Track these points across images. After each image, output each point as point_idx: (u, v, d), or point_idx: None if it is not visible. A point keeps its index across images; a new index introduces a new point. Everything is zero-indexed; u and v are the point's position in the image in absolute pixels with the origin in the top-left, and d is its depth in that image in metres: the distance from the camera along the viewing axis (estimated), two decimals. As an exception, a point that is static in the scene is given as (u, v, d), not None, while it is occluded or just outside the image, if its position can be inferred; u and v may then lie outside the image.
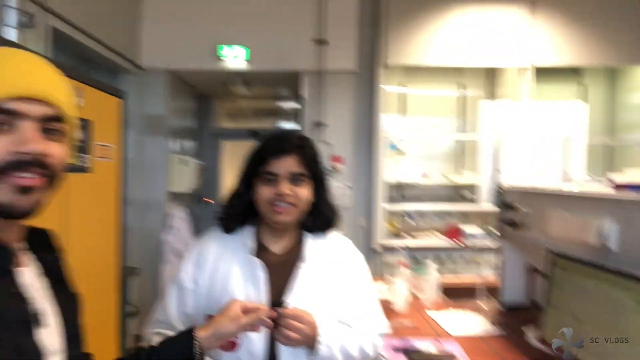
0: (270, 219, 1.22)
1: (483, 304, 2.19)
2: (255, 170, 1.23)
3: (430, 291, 2.27)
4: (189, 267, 1.25)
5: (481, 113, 2.22)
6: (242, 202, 1.26)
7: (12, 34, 1.95)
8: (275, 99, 5.96)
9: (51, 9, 2.57)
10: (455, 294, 2.54)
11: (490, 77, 4.66)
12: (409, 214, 4.40)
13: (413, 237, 4.18)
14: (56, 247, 0.83)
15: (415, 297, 2.37)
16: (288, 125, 5.91)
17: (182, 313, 1.23)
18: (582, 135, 2.25)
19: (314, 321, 1.12)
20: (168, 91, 4.09)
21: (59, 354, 0.75)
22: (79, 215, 2.10)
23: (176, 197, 4.30)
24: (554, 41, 3.90)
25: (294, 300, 1.16)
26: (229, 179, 5.73)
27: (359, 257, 1.35)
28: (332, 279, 1.25)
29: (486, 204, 2.23)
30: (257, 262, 1.21)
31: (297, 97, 5.58)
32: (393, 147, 4.29)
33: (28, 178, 0.65)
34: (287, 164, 1.20)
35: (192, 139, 4.98)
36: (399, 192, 4.62)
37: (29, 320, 0.68)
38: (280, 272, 1.22)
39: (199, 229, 5.26)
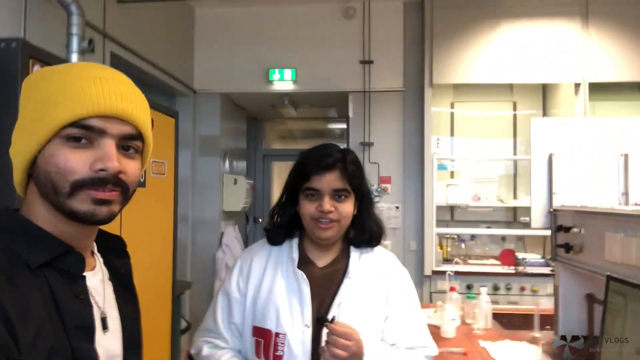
0: (314, 235, 1.22)
1: (539, 334, 2.05)
2: (298, 185, 1.23)
3: (482, 319, 2.15)
4: (235, 278, 1.27)
5: (532, 131, 2.13)
6: (288, 215, 1.26)
7: (74, 59, 2.08)
8: (323, 120, 6.03)
9: (110, 34, 2.75)
10: (510, 323, 2.40)
11: (543, 94, 4.49)
12: (461, 238, 4.24)
13: (465, 262, 4.03)
14: (124, 254, 0.87)
15: (465, 325, 2.26)
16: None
17: (229, 323, 1.24)
18: (645, 153, 2.09)
19: (360, 339, 1.09)
20: (220, 113, 4.24)
21: (117, 358, 0.78)
22: (134, 229, 2.17)
23: (229, 215, 4.40)
24: (610, 55, 3.71)
25: (337, 316, 1.14)
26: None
27: (405, 273, 1.31)
28: (377, 295, 1.23)
29: (539, 227, 2.10)
30: (301, 276, 1.20)
31: (344, 117, 5.62)
32: (443, 167, 4.19)
33: (105, 193, 0.68)
34: (329, 180, 1.19)
35: (243, 160, 5.11)
36: (450, 215, 4.49)
37: (90, 325, 0.70)
38: (325, 286, 1.21)
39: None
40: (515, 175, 4.55)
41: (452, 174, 4.48)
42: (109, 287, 0.81)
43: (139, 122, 0.72)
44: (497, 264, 3.99)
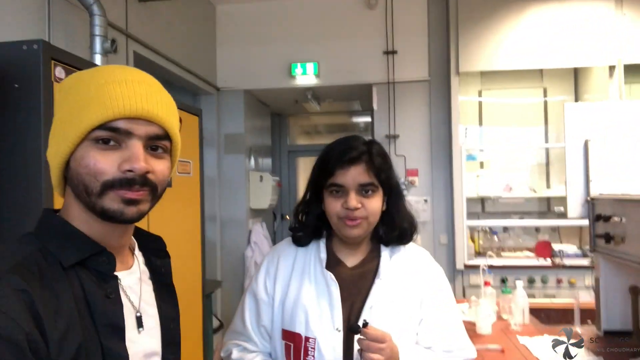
0: (341, 234, 1.15)
1: (579, 329, 1.96)
2: (322, 182, 1.16)
3: (518, 314, 2.07)
4: (262, 279, 1.22)
5: (566, 117, 2.03)
6: (314, 214, 1.20)
7: (97, 60, 2.09)
8: (347, 114, 5.96)
9: (132, 34, 2.76)
10: (547, 318, 2.31)
11: (575, 78, 4.31)
12: (493, 231, 4.13)
13: (498, 255, 3.91)
14: (164, 254, 0.89)
15: (501, 320, 2.18)
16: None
17: (258, 325, 1.21)
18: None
19: (393, 342, 1.04)
20: (244, 110, 4.23)
21: (156, 356, 0.80)
22: (162, 228, 2.17)
23: (256, 213, 4.40)
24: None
25: (369, 320, 1.08)
26: (304, 195, 5.77)
27: (439, 272, 1.24)
28: (410, 296, 1.16)
29: (576, 217, 2.01)
30: (331, 278, 1.14)
31: (369, 110, 5.54)
32: (472, 158, 4.08)
33: (134, 192, 0.71)
34: (354, 175, 1.11)
35: (268, 156, 5.10)
36: (480, 207, 4.37)
37: (120, 325, 0.72)
38: (355, 288, 1.15)
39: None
40: (547, 164, 4.39)
41: (481, 165, 4.36)
42: (148, 286, 0.83)
43: (165, 122, 0.74)
44: (531, 256, 3.86)
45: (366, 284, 1.15)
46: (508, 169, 4.36)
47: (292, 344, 1.13)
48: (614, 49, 3.53)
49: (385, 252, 1.20)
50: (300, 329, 1.12)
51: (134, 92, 0.70)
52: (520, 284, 2.17)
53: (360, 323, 1.03)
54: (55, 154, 0.72)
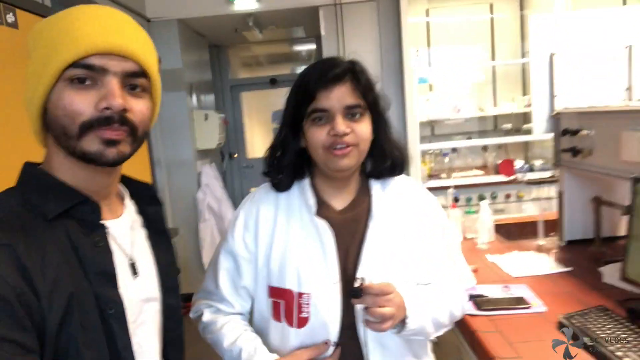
0: (330, 167, 1.00)
1: (543, 242, 2.03)
2: (301, 111, 1.01)
3: (484, 233, 2.10)
4: (240, 234, 1.07)
5: (530, 30, 1.96)
6: (292, 153, 1.05)
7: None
8: (290, 43, 5.66)
9: (44, -42, 2.35)
10: (508, 234, 2.38)
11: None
12: (443, 153, 4.18)
13: (449, 176, 3.99)
14: (156, 201, 0.88)
15: (467, 240, 2.21)
16: (307, 69, 5.64)
17: (236, 287, 1.08)
18: (647, 44, 1.96)
19: (397, 291, 0.95)
20: (180, 42, 3.87)
21: (155, 301, 0.81)
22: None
23: (204, 154, 4.19)
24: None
25: (368, 267, 1.00)
26: (251, 131, 5.57)
27: (435, 202, 1.15)
28: (408, 234, 1.07)
29: (542, 133, 2.01)
30: (323, 224, 1.02)
31: (314, 36, 5.28)
32: (423, 81, 4.02)
33: (112, 132, 0.68)
34: (339, 96, 0.96)
35: (210, 93, 4.79)
36: (430, 130, 4.39)
37: (111, 272, 0.71)
38: (348, 233, 1.04)
39: (229, 184, 5.19)
40: (494, 81, 4.43)
41: (430, 87, 4.32)
42: (141, 234, 0.83)
43: (140, 59, 0.71)
44: (479, 174, 3.99)
45: (359, 227, 1.05)
46: (456, 90, 4.37)
47: (282, 302, 1.02)
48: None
49: (376, 187, 1.09)
50: (291, 284, 1.01)
51: (106, 27, 0.68)
52: (485, 202, 2.19)
53: (357, 284, 0.92)
54: (31, 99, 0.69)
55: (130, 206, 0.84)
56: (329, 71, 0.97)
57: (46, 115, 0.70)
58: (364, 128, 1.00)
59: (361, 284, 0.91)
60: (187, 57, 4.03)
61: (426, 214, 1.12)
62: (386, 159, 1.07)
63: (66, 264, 0.67)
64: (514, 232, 2.45)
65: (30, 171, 0.73)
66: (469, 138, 4.34)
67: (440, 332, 1.07)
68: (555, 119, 1.96)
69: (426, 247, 1.09)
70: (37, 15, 1.38)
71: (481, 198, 3.72)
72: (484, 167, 4.26)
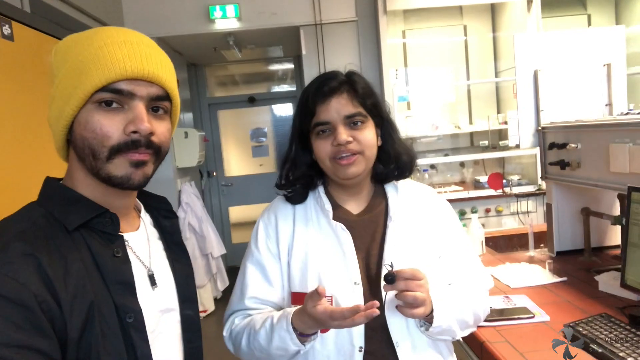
0: (339, 176, 1.03)
1: (534, 253, 2.07)
2: (306, 126, 1.05)
3: (476, 246, 2.13)
4: (263, 241, 1.09)
5: (515, 47, 2.04)
6: (304, 164, 1.08)
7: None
8: (267, 62, 5.68)
9: (24, -27, 2.30)
10: (496, 246, 2.42)
11: (492, 15, 4.44)
12: (423, 169, 4.25)
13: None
14: (171, 214, 0.89)
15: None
16: (285, 87, 5.66)
17: (264, 302, 1.07)
18: (622, 62, 2.07)
19: (427, 279, 0.95)
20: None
21: (173, 311, 0.82)
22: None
23: (183, 172, 4.11)
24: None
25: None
26: (229, 149, 5.52)
27: (448, 205, 1.17)
28: (426, 234, 1.09)
29: (528, 147, 2.07)
30: (340, 228, 1.03)
31: (293, 56, 5.32)
32: (403, 99, 4.10)
33: (140, 155, 0.71)
34: (337, 107, 1.00)
35: (189, 111, 4.74)
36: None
37: (130, 281, 0.73)
38: (367, 235, 1.05)
39: (207, 203, 5.11)
40: (469, 100, 4.56)
41: (408, 105, 4.41)
42: (159, 246, 0.84)
43: (165, 83, 0.74)
44: (459, 189, 4.06)
45: (379, 228, 1.07)
46: (433, 108, 4.48)
47: None
48: (530, -16, 3.64)
49: (390, 190, 1.11)
50: (313, 288, 1.01)
51: (135, 53, 0.70)
52: (475, 216, 2.23)
53: (387, 270, 0.93)
54: (58, 117, 0.71)
55: (146, 219, 0.85)
56: (325, 85, 1.02)
57: (71, 131, 0.72)
58: (366, 135, 1.02)
59: (392, 269, 0.91)
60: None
61: (441, 216, 1.14)
62: (393, 162, 1.09)
63: (87, 273, 0.68)
64: (501, 245, 2.49)
65: (52, 185, 0.75)
66: (446, 155, 4.43)
67: (466, 333, 1.08)
68: (541, 133, 2.02)
69: (445, 248, 1.10)
70: (33, 28, 1.34)
71: (462, 213, 3.79)
72: (462, 183, 4.35)
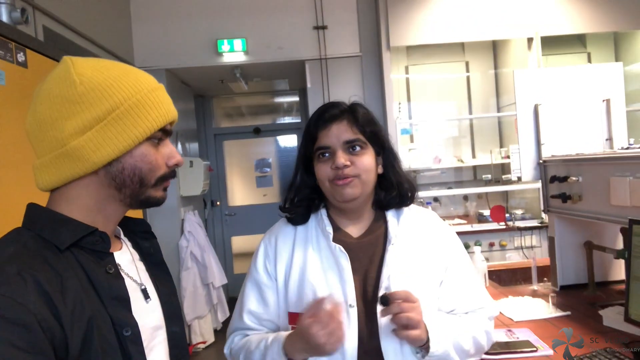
0: (336, 198, 1.07)
1: (537, 287, 2.05)
2: (309, 150, 1.10)
3: (479, 278, 2.11)
4: (262, 262, 1.13)
5: (516, 83, 2.08)
6: (307, 188, 1.12)
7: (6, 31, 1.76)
8: (273, 94, 5.79)
9: (40, 6, 2.39)
10: (499, 279, 2.40)
11: (494, 51, 4.54)
12: (426, 202, 4.25)
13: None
14: (151, 235, 0.92)
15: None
16: (290, 119, 5.75)
17: (261, 320, 1.11)
18: (621, 98, 2.10)
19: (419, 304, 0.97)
20: (167, 91, 3.90)
21: (160, 329, 0.84)
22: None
23: (187, 200, 4.13)
24: (560, 7, 3.78)
25: (388, 289, 1.01)
26: (233, 179, 5.56)
27: (451, 231, 1.18)
28: (427, 259, 1.09)
29: (530, 181, 2.08)
30: (339, 249, 1.05)
31: (298, 89, 5.43)
32: (406, 132, 4.15)
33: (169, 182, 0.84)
34: (337, 133, 1.06)
35: (195, 141, 4.80)
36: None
37: (125, 296, 0.75)
38: (365, 257, 1.07)
39: (210, 232, 5.10)
40: (472, 135, 4.60)
41: (411, 138, 4.45)
42: (141, 266, 0.87)
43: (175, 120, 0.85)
44: (463, 222, 4.05)
45: (377, 251, 1.08)
46: (436, 141, 4.53)
47: None
48: (531, 22, 3.73)
49: (391, 216, 1.12)
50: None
51: (168, 99, 0.82)
52: (478, 249, 2.22)
53: (382, 293, 0.96)
54: (105, 151, 0.75)
55: (127, 242, 0.89)
56: (327, 112, 1.08)
57: (110, 164, 0.77)
58: (364, 160, 1.06)
59: (386, 293, 0.94)
60: (174, 105, 4.05)
61: (444, 242, 1.14)
62: (394, 190, 1.11)
63: (82, 290, 0.70)
64: (504, 278, 2.47)
65: (37, 209, 0.78)
66: (449, 188, 4.44)
67: None
68: (543, 166, 2.04)
69: (446, 274, 1.10)
70: (46, 56, 1.39)
71: (466, 246, 3.75)
72: (465, 216, 4.34)
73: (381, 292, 0.98)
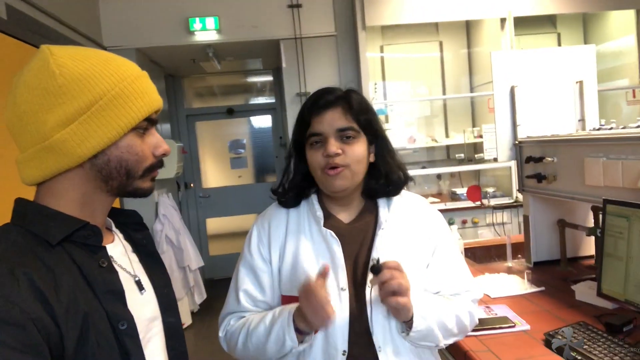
0: (326, 188, 1.08)
1: (512, 264, 2.12)
2: (302, 137, 1.10)
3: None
4: (255, 246, 1.13)
5: (493, 64, 2.11)
6: (299, 174, 1.13)
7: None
8: (246, 74, 5.69)
9: (3, -18, 2.26)
10: (474, 256, 2.47)
11: (467, 31, 4.57)
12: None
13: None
14: (142, 226, 0.91)
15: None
16: (264, 99, 5.67)
17: (256, 302, 1.12)
18: (593, 80, 2.16)
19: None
20: (137, 71, 3.78)
21: (156, 320, 0.84)
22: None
23: (160, 183, 4.06)
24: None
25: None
26: (207, 160, 5.48)
27: (439, 216, 1.21)
28: (415, 244, 1.12)
29: (505, 161, 2.13)
30: (331, 235, 1.07)
31: (272, 68, 5.35)
32: (382, 112, 4.16)
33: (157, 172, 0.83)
34: (330, 120, 1.05)
35: (166, 122, 4.70)
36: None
37: (119, 290, 0.75)
38: (356, 242, 1.09)
39: (185, 215, 5.04)
40: (445, 115, 4.66)
41: (386, 119, 4.47)
42: (134, 258, 0.86)
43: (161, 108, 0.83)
44: (436, 201, 4.13)
45: (368, 236, 1.10)
46: (410, 122, 4.57)
47: None
48: (504, 3, 3.77)
49: (382, 202, 1.14)
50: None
51: (152, 87, 0.80)
52: (454, 227, 2.27)
53: (374, 262, 0.98)
54: (89, 144, 0.73)
55: (118, 234, 0.88)
56: (321, 98, 1.07)
57: (96, 156, 0.75)
58: (356, 149, 1.06)
59: (377, 260, 0.97)
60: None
61: (432, 226, 1.17)
62: (385, 178, 1.12)
63: (76, 286, 0.69)
64: (479, 256, 2.54)
65: (25, 204, 0.76)
66: (423, 167, 4.51)
67: (450, 341, 1.12)
68: (518, 147, 2.09)
69: (435, 258, 1.14)
70: (9, 35, 1.31)
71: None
72: (439, 195, 4.43)
73: (371, 264, 1.00)
